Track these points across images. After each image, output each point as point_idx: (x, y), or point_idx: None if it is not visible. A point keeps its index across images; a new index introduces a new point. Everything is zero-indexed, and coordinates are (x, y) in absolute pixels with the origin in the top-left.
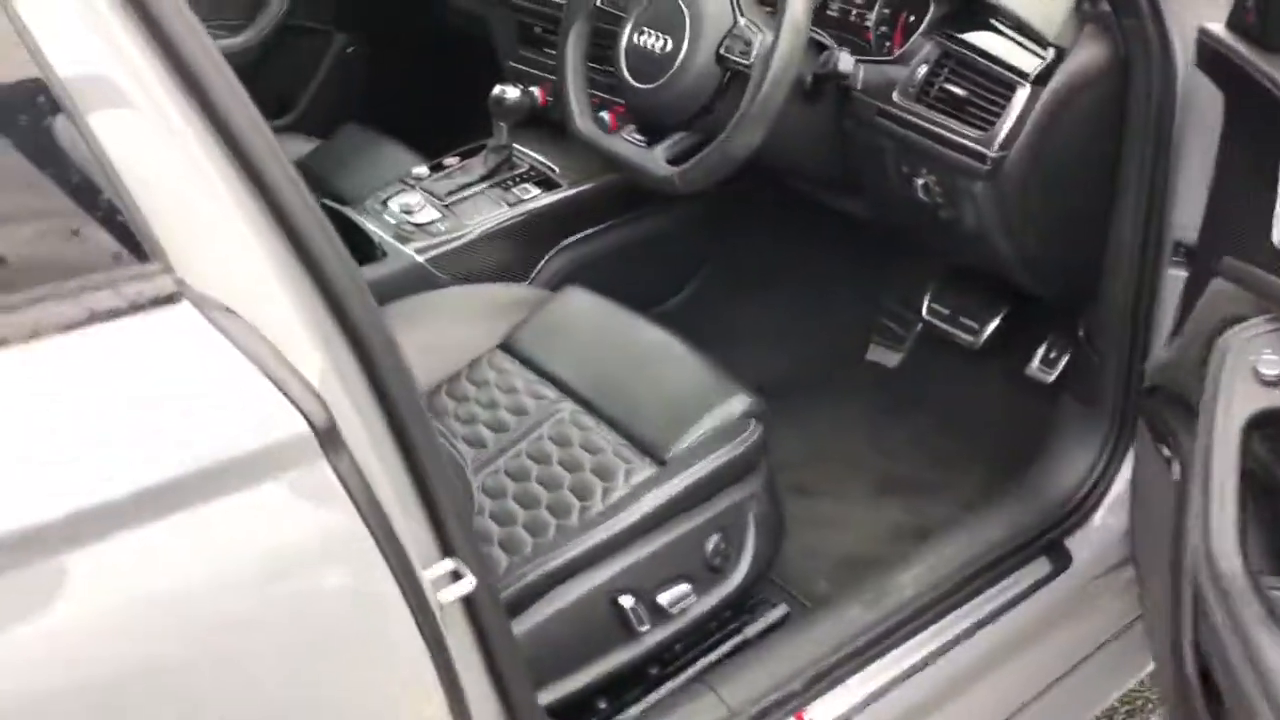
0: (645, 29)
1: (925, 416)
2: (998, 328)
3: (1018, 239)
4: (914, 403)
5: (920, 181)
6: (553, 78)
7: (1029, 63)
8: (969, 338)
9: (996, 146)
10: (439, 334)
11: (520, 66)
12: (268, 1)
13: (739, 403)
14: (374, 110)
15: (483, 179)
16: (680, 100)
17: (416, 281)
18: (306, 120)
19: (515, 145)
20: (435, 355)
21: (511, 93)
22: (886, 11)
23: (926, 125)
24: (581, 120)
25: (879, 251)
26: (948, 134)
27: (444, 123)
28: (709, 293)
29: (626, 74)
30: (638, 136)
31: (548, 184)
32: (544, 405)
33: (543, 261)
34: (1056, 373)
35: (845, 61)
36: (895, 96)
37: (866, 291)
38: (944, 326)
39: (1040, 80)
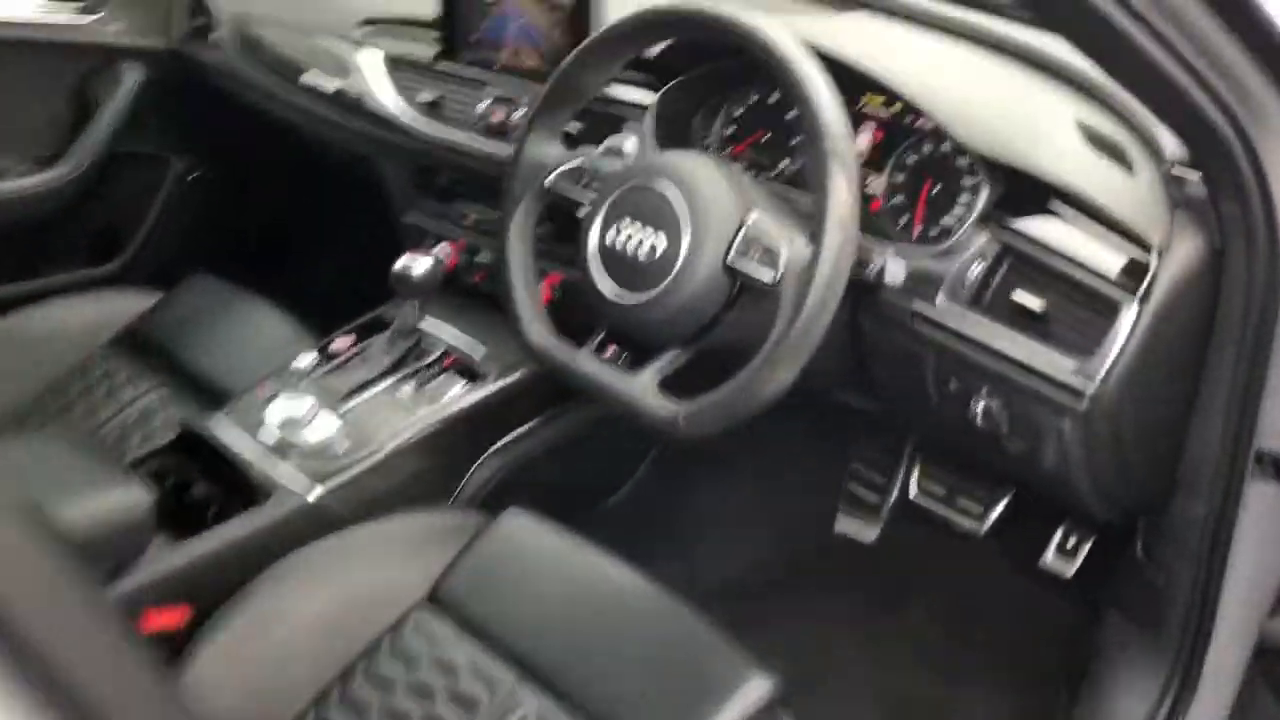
0: (624, 224)
1: (920, 611)
2: (1003, 511)
3: (1097, 473)
4: (903, 593)
5: (980, 406)
6: (462, 237)
7: (1112, 261)
8: (970, 523)
9: (1098, 379)
10: (347, 588)
11: (419, 224)
12: (88, 126)
13: (758, 687)
14: (231, 257)
15: (388, 373)
16: (678, 317)
17: (311, 525)
18: (139, 266)
19: (426, 321)
20: (343, 620)
21: (421, 265)
22: (900, 179)
23: (990, 342)
24: (535, 332)
25: (843, 413)
26: (1025, 358)
27: (326, 279)
28: (658, 480)
29: (601, 281)
30: (613, 351)
31: (469, 374)
32: (499, 696)
33: (468, 474)
34: (1076, 564)
35: (895, 270)
36: (941, 299)
37: (832, 456)
38: (939, 510)
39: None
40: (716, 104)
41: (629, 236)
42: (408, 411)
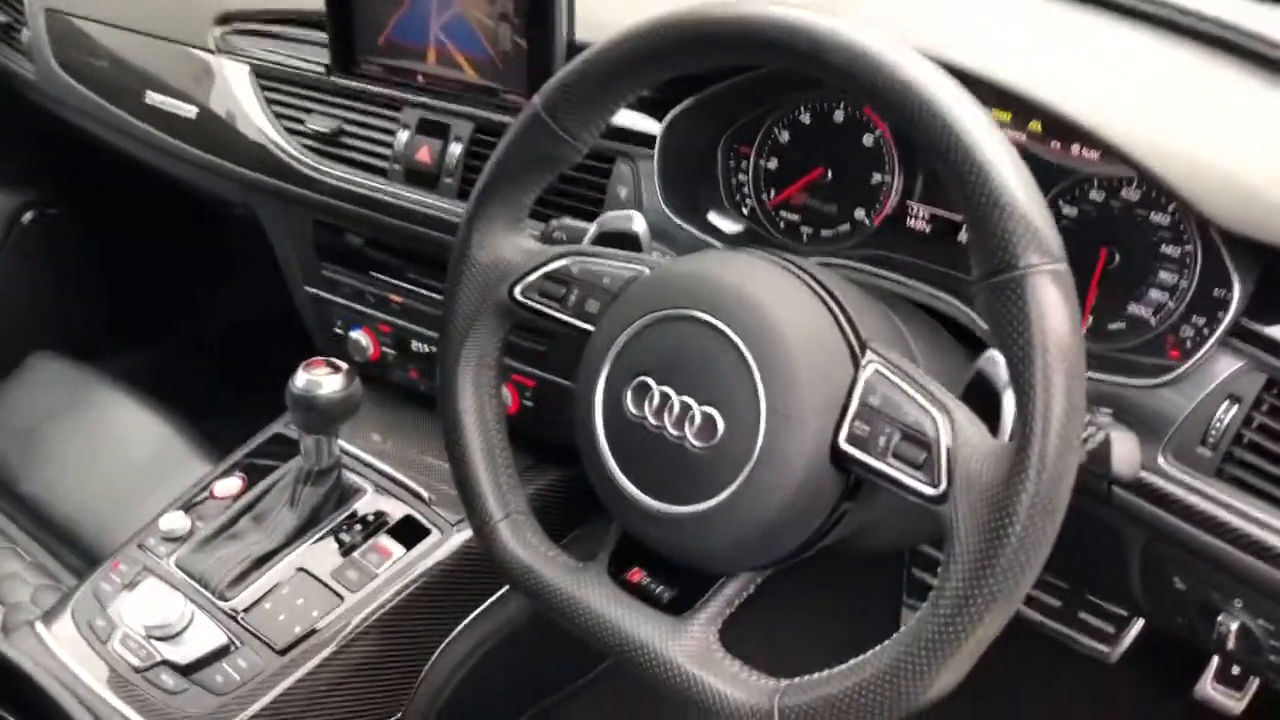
0: (649, 385)
1: None
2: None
3: None
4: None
5: (1233, 625)
6: (386, 316)
7: None
8: (1101, 646)
9: None
10: None
11: (324, 299)
12: None
13: None
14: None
15: (295, 538)
16: (752, 538)
17: None
18: None
19: (344, 449)
20: None
21: (331, 385)
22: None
23: (1260, 536)
24: (507, 539)
25: None
26: None
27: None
28: None
29: (618, 473)
30: (640, 575)
31: (413, 530)
32: None
33: (422, 674)
34: (1246, 698)
35: (1126, 453)
36: (1166, 460)
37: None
38: (1055, 626)
39: None
40: (748, 128)
41: (661, 407)
42: (329, 600)
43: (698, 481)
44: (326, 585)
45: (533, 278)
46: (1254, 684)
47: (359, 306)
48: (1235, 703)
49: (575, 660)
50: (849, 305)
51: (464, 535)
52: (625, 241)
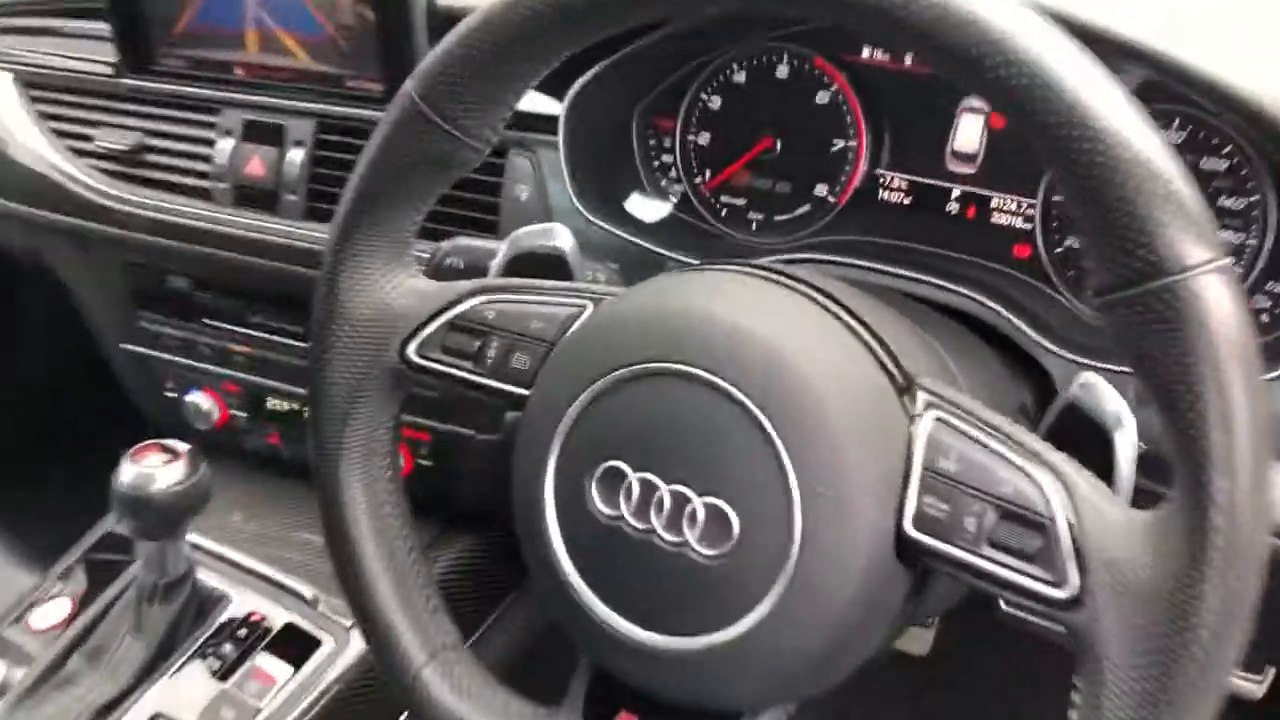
0: (633, 478)
1: None
2: None
3: None
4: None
5: None
6: (230, 372)
7: None
8: (1247, 685)
9: None
10: None
11: (147, 356)
12: None
13: None
14: None
15: (144, 675)
16: (787, 670)
17: None
18: None
19: (196, 544)
20: None
21: (166, 477)
22: None
23: None
24: (444, 689)
25: None
26: None
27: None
28: None
29: (600, 608)
30: None
31: (298, 643)
32: None
33: None
34: (1267, 682)
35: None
36: None
37: None
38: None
39: None
40: (666, 97)
41: (644, 501)
42: None
43: (710, 603)
44: None
45: (432, 329)
46: (1271, 671)
47: (193, 363)
48: (1257, 686)
49: None
50: (880, 328)
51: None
52: (549, 266)
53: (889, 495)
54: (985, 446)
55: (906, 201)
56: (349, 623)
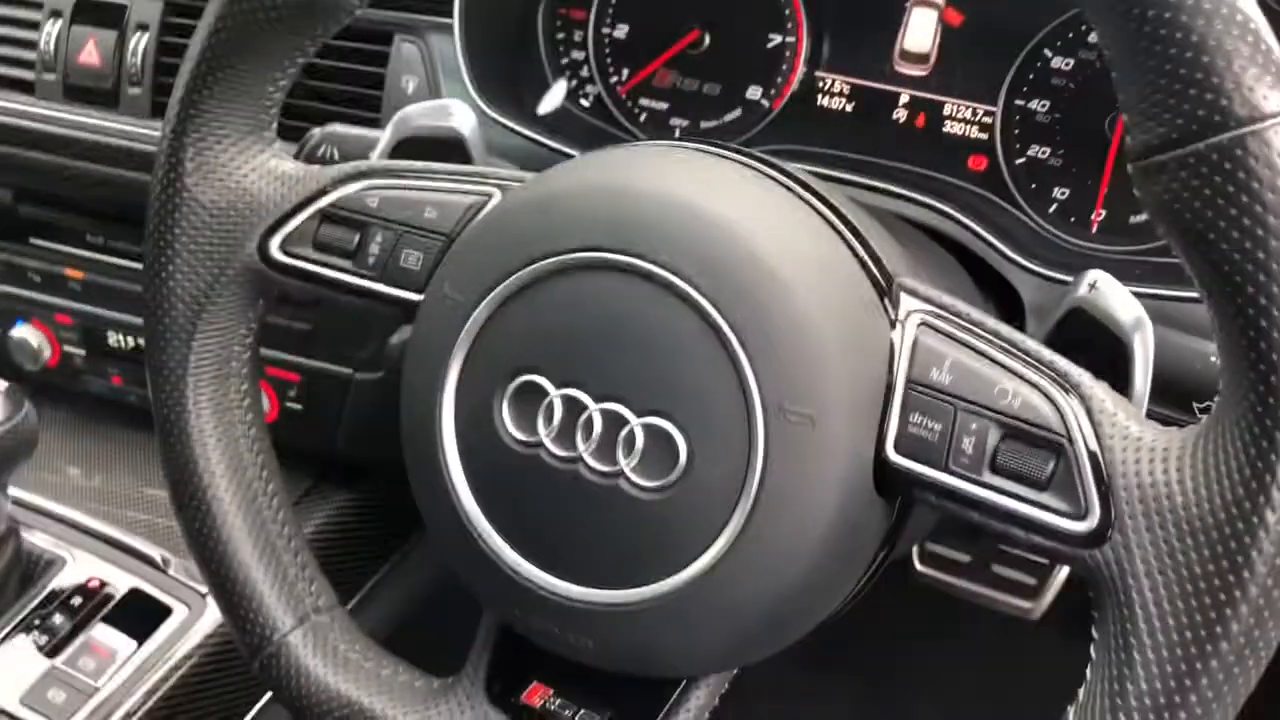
0: (555, 395)
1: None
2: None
3: None
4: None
5: None
6: (65, 302)
7: None
8: (1022, 603)
9: None
10: None
11: None
12: None
13: None
14: None
15: None
16: (741, 627)
17: None
18: None
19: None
20: None
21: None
22: (1042, 109)
23: None
24: (315, 659)
25: None
26: None
27: None
28: None
29: (510, 555)
30: (541, 694)
31: (144, 613)
32: None
33: None
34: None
35: None
36: None
37: None
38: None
39: None
40: None
41: (569, 421)
42: None
43: (647, 547)
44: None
45: (300, 220)
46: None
47: (19, 291)
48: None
49: None
50: (855, 220)
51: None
52: (444, 151)
53: (869, 414)
54: (983, 354)
55: (849, 108)
56: (205, 588)
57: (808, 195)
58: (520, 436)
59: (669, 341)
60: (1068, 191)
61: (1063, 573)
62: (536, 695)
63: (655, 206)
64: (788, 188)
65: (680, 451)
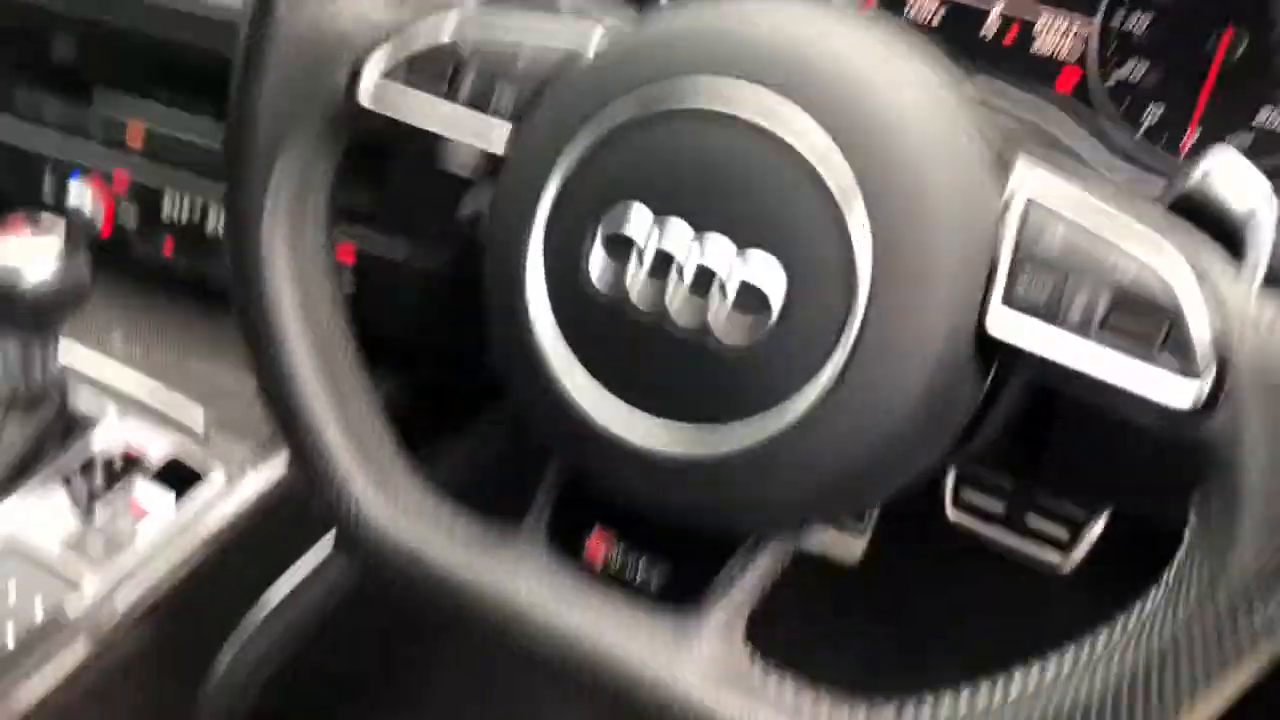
0: (633, 226)
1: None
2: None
3: None
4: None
5: None
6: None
7: None
8: (1052, 556)
9: None
10: None
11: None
12: None
13: None
14: None
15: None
16: (821, 482)
17: None
18: None
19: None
20: None
21: (38, 258)
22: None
23: None
24: (385, 507)
25: None
26: None
27: None
28: None
29: (574, 383)
30: (605, 543)
31: (180, 477)
32: None
33: (211, 677)
34: None
35: None
36: None
37: None
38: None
39: None
40: None
41: (656, 272)
42: (58, 586)
43: (735, 395)
44: (54, 564)
45: (388, 57)
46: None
47: (77, 151)
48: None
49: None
50: (968, 86)
51: (261, 476)
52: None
53: (976, 273)
54: (1097, 221)
55: (935, 21)
56: (245, 459)
57: (925, 49)
58: (608, 277)
59: (776, 179)
60: (1160, 112)
61: (1096, 528)
62: (599, 546)
63: (770, 39)
64: (909, 42)
65: (776, 296)
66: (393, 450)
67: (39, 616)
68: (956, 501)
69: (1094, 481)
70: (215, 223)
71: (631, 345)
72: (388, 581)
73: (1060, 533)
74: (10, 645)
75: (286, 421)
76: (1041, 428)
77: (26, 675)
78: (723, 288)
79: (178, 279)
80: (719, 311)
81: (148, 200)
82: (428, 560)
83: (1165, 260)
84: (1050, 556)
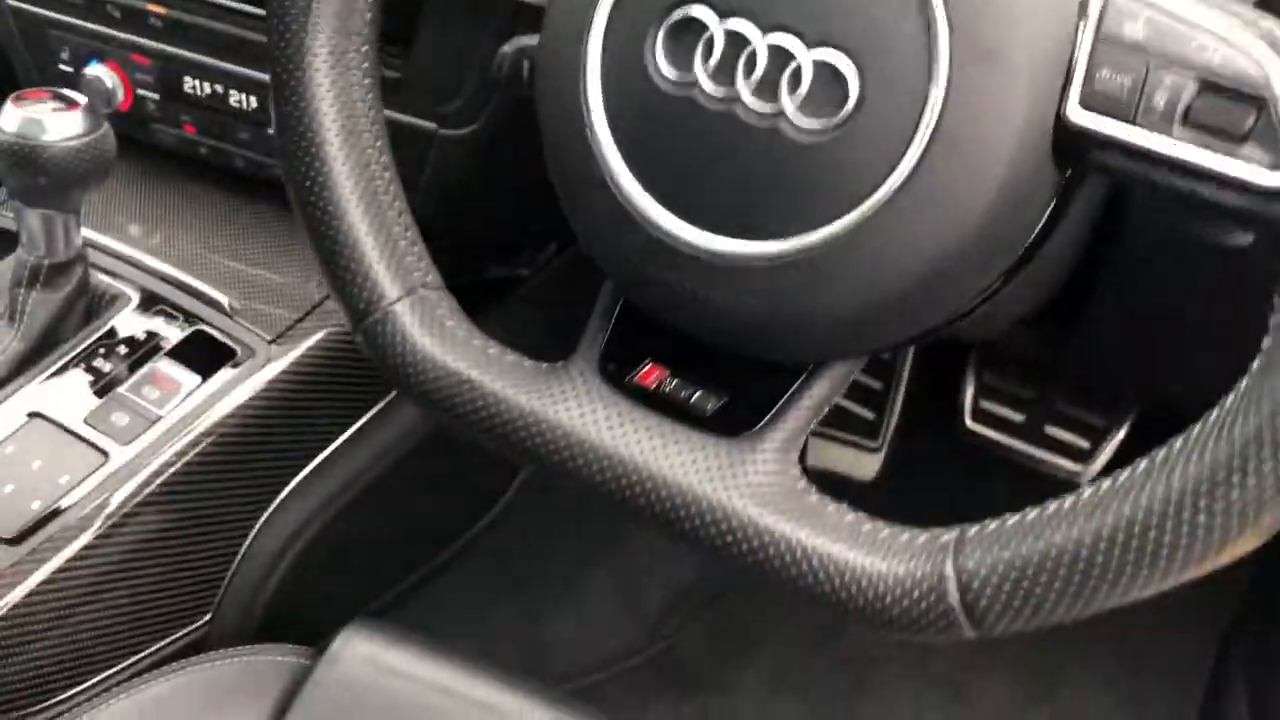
0: (718, 28)
1: None
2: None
3: None
4: None
5: None
6: (143, 40)
7: None
8: (1072, 465)
9: None
10: None
11: (31, 11)
12: None
13: None
14: None
15: (20, 369)
16: (895, 290)
17: None
18: None
19: (90, 239)
20: None
21: (61, 127)
22: None
23: None
24: (423, 330)
25: None
26: None
27: None
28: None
29: (633, 187)
30: (657, 372)
31: (207, 353)
32: None
33: (236, 557)
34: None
35: None
36: None
37: None
38: (1021, 446)
39: None
40: None
41: (730, 57)
42: (86, 459)
43: (805, 193)
44: (80, 437)
45: None
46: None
47: (97, 27)
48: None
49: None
50: None
51: (287, 355)
52: None
53: (1056, 63)
54: (1182, 9)
55: None
56: (272, 335)
57: None
58: (673, 75)
59: None
60: None
61: (1117, 438)
62: (652, 376)
63: None
64: None
65: (850, 88)
66: (436, 280)
67: (61, 491)
68: (975, 413)
69: (1127, 369)
70: (236, 102)
71: (699, 138)
72: (436, 410)
73: (1081, 442)
74: (39, 515)
75: (324, 247)
76: (1074, 314)
77: (55, 546)
78: (797, 73)
79: (199, 160)
80: (795, 97)
81: (168, 79)
82: (477, 384)
83: (1255, 44)
84: (1070, 465)
